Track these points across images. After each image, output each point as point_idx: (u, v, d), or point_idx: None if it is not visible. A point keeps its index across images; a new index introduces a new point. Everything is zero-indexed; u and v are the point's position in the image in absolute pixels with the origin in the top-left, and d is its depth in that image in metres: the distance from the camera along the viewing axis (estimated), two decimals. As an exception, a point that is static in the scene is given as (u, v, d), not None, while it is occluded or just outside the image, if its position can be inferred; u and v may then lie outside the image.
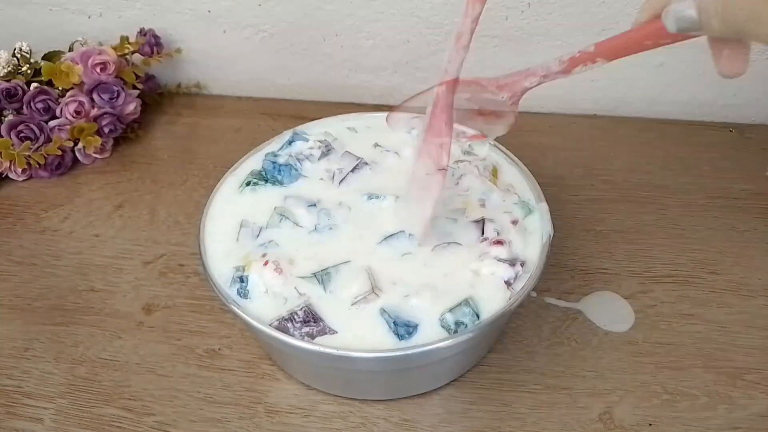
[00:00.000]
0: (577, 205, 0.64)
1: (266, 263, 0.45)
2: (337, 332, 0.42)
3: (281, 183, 0.51)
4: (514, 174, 0.53)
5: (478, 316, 0.42)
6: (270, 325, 0.42)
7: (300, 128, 0.56)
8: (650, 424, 0.47)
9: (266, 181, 0.51)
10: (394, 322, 0.42)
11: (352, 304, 0.43)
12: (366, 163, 0.52)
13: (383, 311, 0.42)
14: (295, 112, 0.75)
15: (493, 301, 0.43)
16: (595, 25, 0.68)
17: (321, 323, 0.42)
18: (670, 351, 0.51)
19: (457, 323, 0.42)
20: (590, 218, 0.62)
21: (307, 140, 0.54)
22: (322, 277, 0.44)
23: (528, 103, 0.75)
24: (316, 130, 0.56)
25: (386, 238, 0.46)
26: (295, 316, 0.43)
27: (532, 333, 0.53)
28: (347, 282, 0.44)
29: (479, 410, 0.48)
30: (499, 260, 0.45)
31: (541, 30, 0.69)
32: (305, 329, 0.42)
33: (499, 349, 0.52)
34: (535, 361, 0.51)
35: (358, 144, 0.54)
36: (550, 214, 0.48)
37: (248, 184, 0.51)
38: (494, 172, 0.52)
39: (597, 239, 0.60)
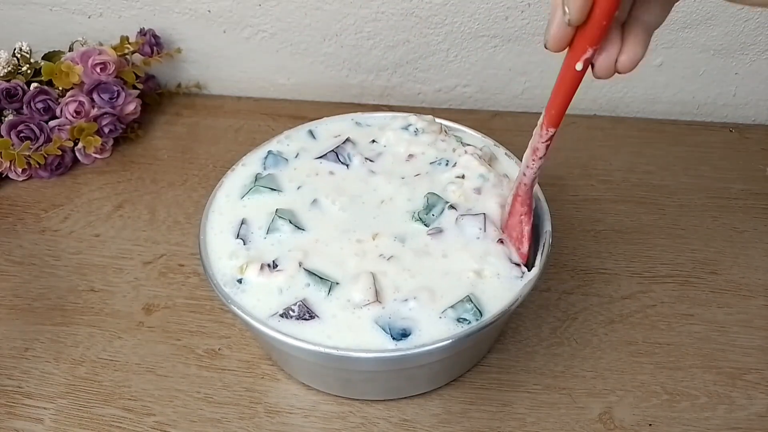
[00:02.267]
0: (576, 205, 0.64)
1: (262, 267, 0.45)
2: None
3: (279, 190, 0.51)
4: (512, 169, 0.53)
5: (480, 313, 0.42)
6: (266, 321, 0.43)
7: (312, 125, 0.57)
8: (650, 424, 0.47)
9: (271, 189, 0.51)
10: (389, 327, 0.42)
11: (353, 308, 0.43)
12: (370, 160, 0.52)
13: (380, 317, 0.42)
14: (295, 112, 0.75)
15: (496, 299, 0.43)
16: (594, 25, 0.68)
17: (316, 320, 0.43)
18: (669, 351, 0.51)
19: (459, 320, 0.42)
20: (589, 218, 0.62)
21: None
22: (323, 280, 0.44)
23: (528, 103, 0.76)
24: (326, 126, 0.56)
25: (386, 238, 0.47)
26: (290, 312, 0.43)
27: (531, 333, 0.53)
28: (350, 286, 0.44)
29: (478, 410, 0.48)
30: (501, 259, 0.45)
31: (541, 30, 0.69)
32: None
33: (498, 349, 0.52)
34: (534, 361, 0.51)
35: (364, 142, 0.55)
36: (550, 214, 0.48)
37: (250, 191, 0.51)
38: (490, 161, 0.52)
39: (597, 239, 0.60)
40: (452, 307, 0.42)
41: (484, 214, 0.47)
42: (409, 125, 0.54)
